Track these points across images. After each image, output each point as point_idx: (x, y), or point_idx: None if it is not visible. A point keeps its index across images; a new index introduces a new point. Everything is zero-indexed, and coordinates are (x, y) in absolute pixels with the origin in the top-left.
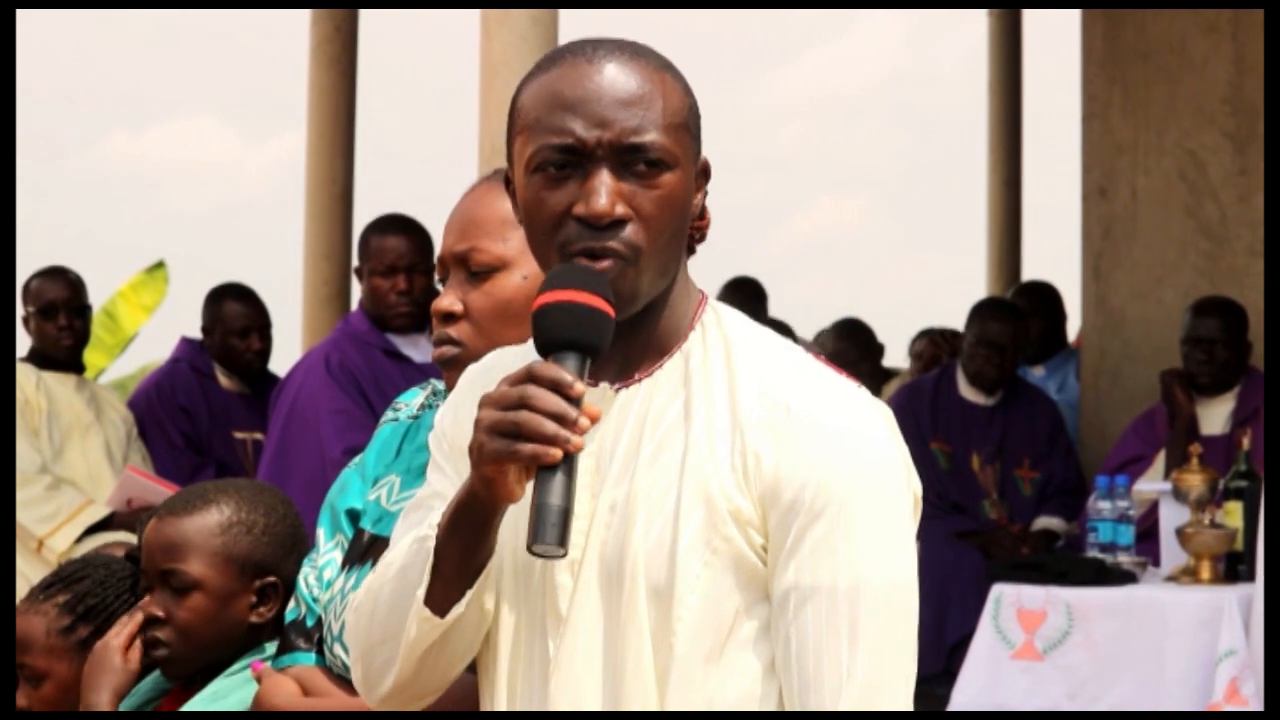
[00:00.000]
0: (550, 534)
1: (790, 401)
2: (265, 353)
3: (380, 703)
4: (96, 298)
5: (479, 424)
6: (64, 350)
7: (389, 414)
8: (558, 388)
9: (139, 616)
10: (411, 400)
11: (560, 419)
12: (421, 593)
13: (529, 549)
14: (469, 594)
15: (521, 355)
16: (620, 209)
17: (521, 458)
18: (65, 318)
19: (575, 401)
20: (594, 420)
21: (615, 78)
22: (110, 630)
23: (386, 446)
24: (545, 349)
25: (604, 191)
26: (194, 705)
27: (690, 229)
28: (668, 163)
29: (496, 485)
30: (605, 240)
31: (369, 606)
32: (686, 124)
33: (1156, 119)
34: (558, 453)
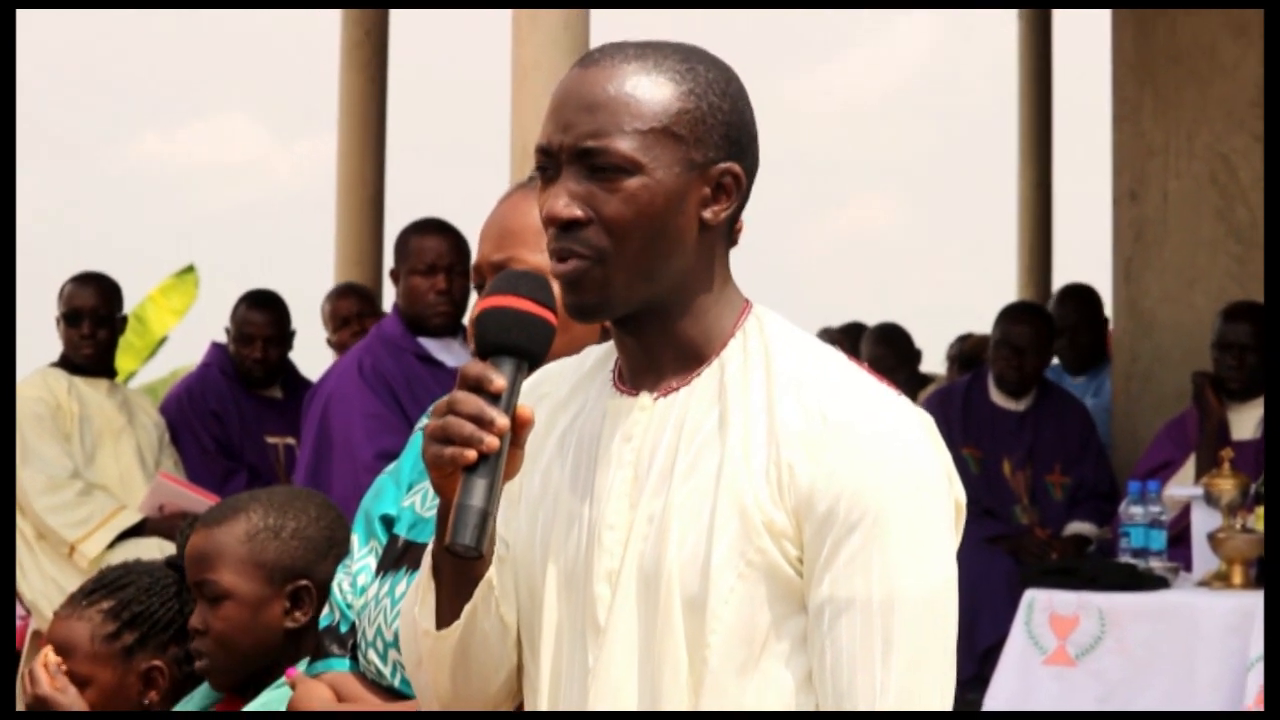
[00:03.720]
0: (466, 535)
1: (827, 411)
2: (265, 361)
3: None
4: (126, 301)
5: (424, 432)
6: (84, 359)
7: (425, 420)
8: (479, 386)
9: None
10: None
11: (477, 420)
12: (418, 610)
13: (446, 547)
14: (466, 608)
15: (573, 366)
16: (578, 211)
17: (443, 462)
18: (89, 326)
19: (498, 399)
20: (526, 423)
21: (591, 82)
22: None
23: None
24: (482, 353)
25: (558, 194)
26: None
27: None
28: (628, 169)
29: (445, 491)
30: (567, 242)
31: (403, 630)
32: (670, 129)
33: (1187, 122)
34: (472, 454)
